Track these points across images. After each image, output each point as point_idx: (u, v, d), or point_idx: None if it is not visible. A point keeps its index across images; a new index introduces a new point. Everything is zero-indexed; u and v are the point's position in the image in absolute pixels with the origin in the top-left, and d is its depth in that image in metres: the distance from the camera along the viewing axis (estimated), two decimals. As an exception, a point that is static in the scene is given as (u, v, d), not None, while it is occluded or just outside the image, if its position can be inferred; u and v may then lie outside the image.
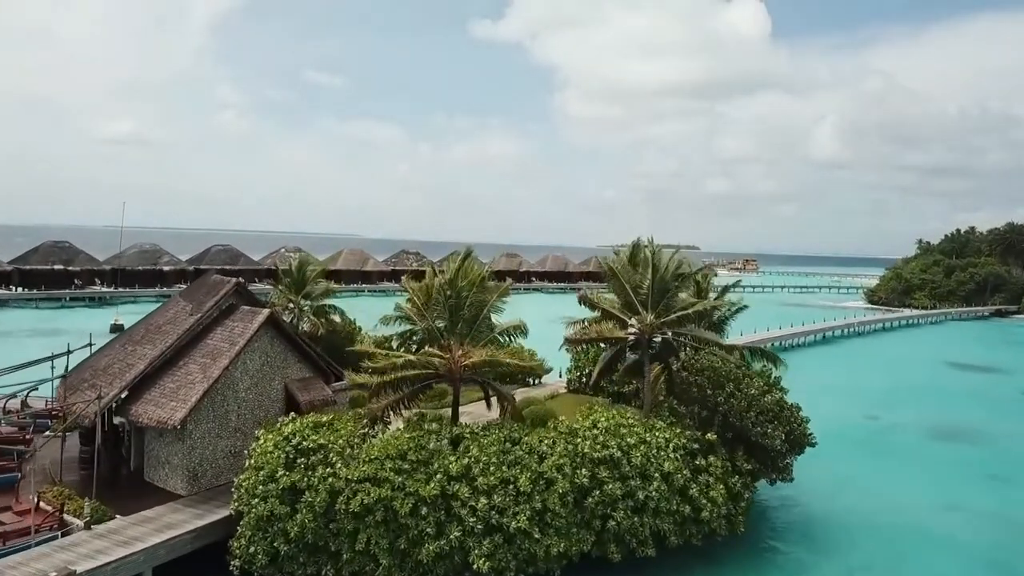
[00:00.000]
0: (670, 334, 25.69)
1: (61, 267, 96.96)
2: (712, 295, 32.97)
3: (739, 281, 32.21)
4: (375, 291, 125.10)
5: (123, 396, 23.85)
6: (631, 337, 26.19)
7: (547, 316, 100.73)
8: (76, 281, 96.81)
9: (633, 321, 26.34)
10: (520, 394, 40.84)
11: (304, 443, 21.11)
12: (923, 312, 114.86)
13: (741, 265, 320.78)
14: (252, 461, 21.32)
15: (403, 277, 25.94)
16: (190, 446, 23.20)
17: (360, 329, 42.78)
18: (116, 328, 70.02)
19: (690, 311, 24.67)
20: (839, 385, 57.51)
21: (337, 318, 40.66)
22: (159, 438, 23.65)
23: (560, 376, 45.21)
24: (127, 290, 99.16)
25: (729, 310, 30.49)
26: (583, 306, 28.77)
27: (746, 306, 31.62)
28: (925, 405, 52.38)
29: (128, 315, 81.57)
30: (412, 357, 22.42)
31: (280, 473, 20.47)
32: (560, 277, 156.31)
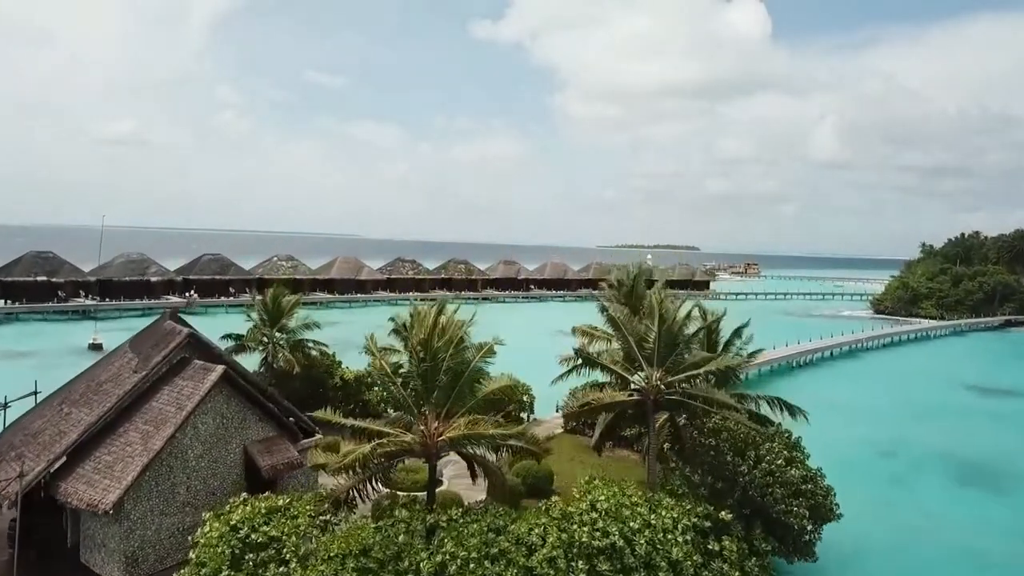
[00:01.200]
0: (678, 394, 22.64)
1: (44, 278, 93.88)
2: (720, 329, 30.02)
3: (749, 321, 29.03)
4: (370, 300, 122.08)
5: (52, 470, 20.88)
6: (635, 397, 23.09)
7: (546, 328, 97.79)
8: (60, 293, 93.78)
9: (637, 377, 23.31)
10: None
11: (254, 535, 18.13)
12: (932, 324, 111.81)
13: (743, 269, 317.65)
14: (195, 554, 18.35)
15: (368, 340, 22.72)
16: (128, 528, 20.22)
17: (340, 363, 39.88)
18: (94, 347, 67.08)
19: (701, 370, 21.67)
20: (850, 413, 54.32)
21: (315, 352, 37.69)
22: (94, 516, 20.67)
23: (557, 411, 42.31)
24: (112, 303, 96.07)
25: (741, 353, 27.47)
26: (581, 360, 25.71)
27: (760, 351, 28.58)
28: (947, 438, 48.90)
29: (110, 332, 78.60)
30: (385, 430, 19.42)
31: (224, 573, 17.50)
32: (559, 284, 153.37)
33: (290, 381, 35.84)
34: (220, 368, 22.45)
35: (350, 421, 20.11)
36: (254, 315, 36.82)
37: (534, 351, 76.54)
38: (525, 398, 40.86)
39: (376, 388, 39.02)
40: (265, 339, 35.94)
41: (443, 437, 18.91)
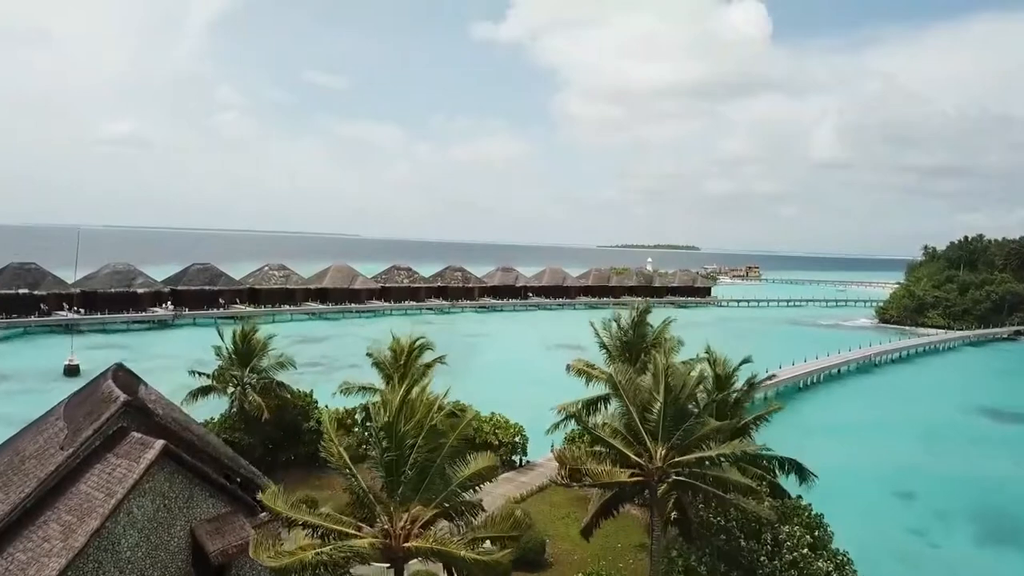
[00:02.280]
0: (686, 475, 19.73)
1: (26, 291, 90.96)
2: (735, 381, 27.04)
3: (769, 375, 26.10)
4: (363, 311, 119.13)
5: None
6: (636, 478, 20.13)
7: (543, 341, 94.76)
8: (42, 306, 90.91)
9: (640, 450, 20.37)
10: (503, 484, 35.14)
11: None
12: (942, 337, 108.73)
13: (744, 272, 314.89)
14: None
15: (326, 423, 19.58)
16: (45, 640, 17.32)
17: (316, 402, 36.95)
18: (70, 369, 64.22)
19: (713, 453, 18.75)
20: (862, 444, 50.92)
21: (288, 394, 34.75)
22: (8, 624, 17.79)
23: (551, 448, 39.27)
24: (96, 316, 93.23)
25: (759, 420, 24.59)
26: (576, 423, 22.85)
27: (778, 409, 25.65)
28: (969, 475, 45.30)
29: (92, 350, 75.68)
30: (338, 528, 16.50)
31: None
32: (558, 292, 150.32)
33: (262, 425, 33.03)
34: (159, 444, 19.51)
35: (301, 516, 17.16)
36: (223, 352, 33.88)
37: (530, 369, 73.82)
38: (517, 439, 37.94)
39: (356, 430, 36.18)
40: (234, 381, 33.03)
41: (409, 543, 15.99)
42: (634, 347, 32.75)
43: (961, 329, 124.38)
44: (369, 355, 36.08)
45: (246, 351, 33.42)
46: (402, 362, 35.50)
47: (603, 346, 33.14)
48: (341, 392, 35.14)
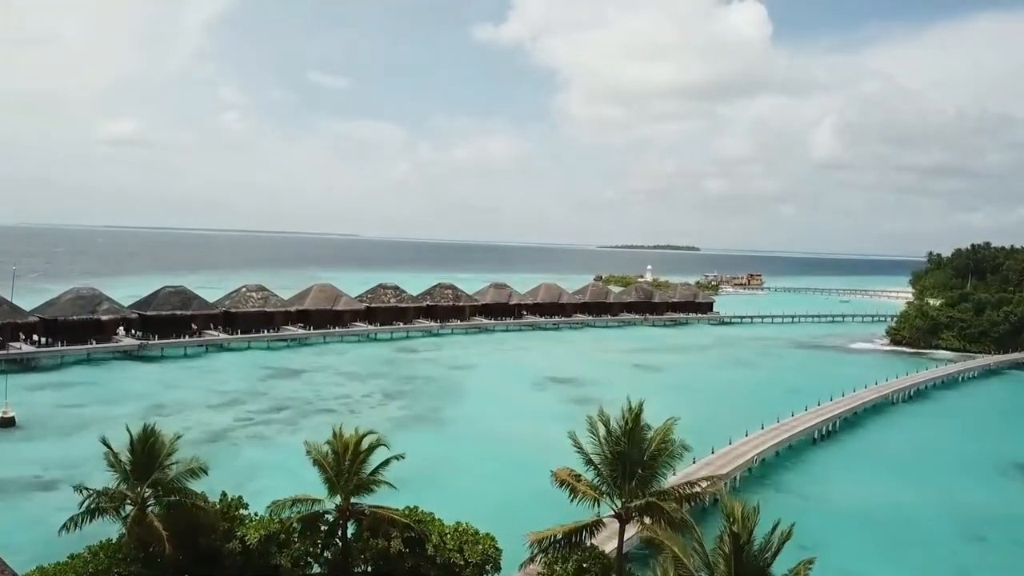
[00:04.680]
0: None
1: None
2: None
3: (792, 529, 19.57)
4: (347, 335, 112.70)
5: None
6: None
7: (535, 373, 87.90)
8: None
9: None
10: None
11: None
12: (960, 367, 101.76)
13: (746, 280, 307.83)
14: None
15: None
16: None
17: (246, 508, 30.19)
18: (5, 422, 57.83)
19: None
20: (887, 529, 44.31)
21: (200, 509, 28.10)
22: None
23: (532, 560, 32.51)
24: (55, 348, 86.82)
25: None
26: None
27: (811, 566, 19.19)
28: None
29: (36, 391, 69.24)
30: None
31: None
32: (553, 309, 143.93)
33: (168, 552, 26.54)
34: None
35: None
36: (116, 462, 27.31)
37: (516, 417, 66.71)
38: (490, 552, 31.19)
39: (295, 544, 29.68)
40: (129, 502, 26.53)
41: None
42: (628, 458, 26.34)
43: (977, 351, 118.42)
44: (308, 452, 29.71)
45: (145, 460, 26.89)
46: (346, 465, 29.18)
47: (589, 462, 26.72)
48: (269, 512, 28.80)
